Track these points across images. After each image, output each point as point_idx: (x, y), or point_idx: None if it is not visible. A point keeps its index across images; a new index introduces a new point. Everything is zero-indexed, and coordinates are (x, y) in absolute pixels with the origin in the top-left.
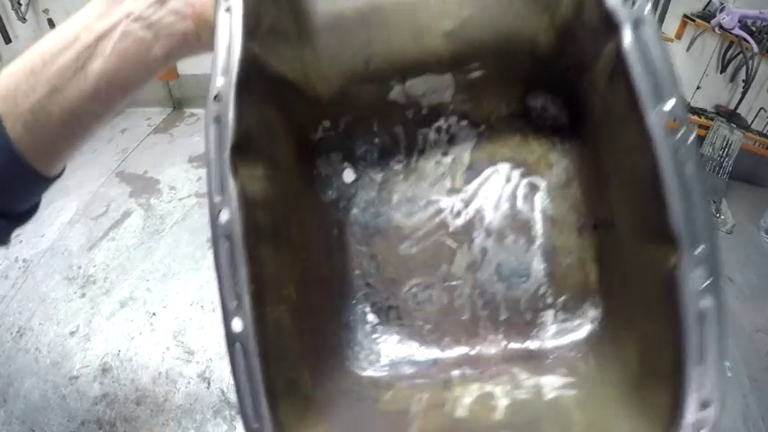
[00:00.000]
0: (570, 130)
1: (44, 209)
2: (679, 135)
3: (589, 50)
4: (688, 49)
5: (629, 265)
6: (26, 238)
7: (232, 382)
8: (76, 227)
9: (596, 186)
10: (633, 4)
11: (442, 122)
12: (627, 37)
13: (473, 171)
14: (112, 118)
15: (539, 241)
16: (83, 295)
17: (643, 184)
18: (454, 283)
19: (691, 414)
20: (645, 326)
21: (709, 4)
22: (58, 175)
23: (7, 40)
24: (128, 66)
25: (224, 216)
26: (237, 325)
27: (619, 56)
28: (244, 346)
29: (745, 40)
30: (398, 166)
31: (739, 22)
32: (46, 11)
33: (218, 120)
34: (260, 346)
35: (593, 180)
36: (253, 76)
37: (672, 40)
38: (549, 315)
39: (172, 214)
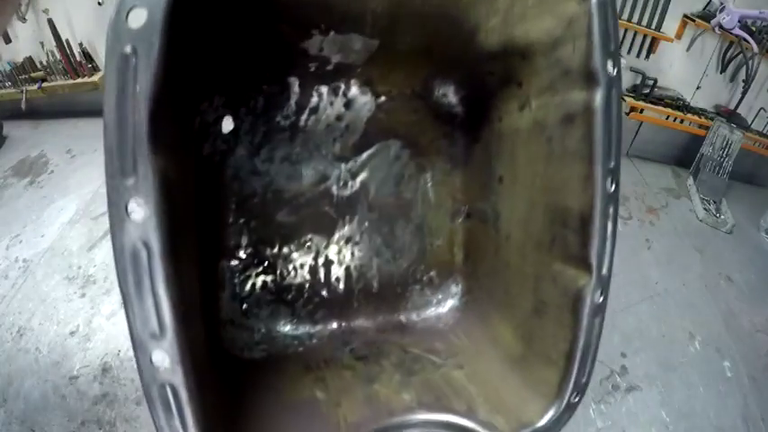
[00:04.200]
0: (464, 123)
1: (44, 209)
2: (613, 188)
3: (544, 80)
4: (688, 49)
5: (507, 261)
6: (26, 238)
7: None
8: (76, 227)
9: (480, 181)
10: (614, 68)
11: (342, 83)
12: (599, 97)
13: (365, 141)
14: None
15: (416, 221)
16: (83, 295)
17: (566, 217)
18: (331, 255)
19: (570, 393)
20: (528, 318)
21: (709, 4)
22: None
23: (7, 40)
24: None
25: (136, 221)
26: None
27: (588, 109)
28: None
29: (745, 40)
30: (285, 122)
31: (739, 22)
32: (46, 11)
33: (135, 53)
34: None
35: (477, 174)
36: None
37: (672, 40)
38: (416, 289)
39: None
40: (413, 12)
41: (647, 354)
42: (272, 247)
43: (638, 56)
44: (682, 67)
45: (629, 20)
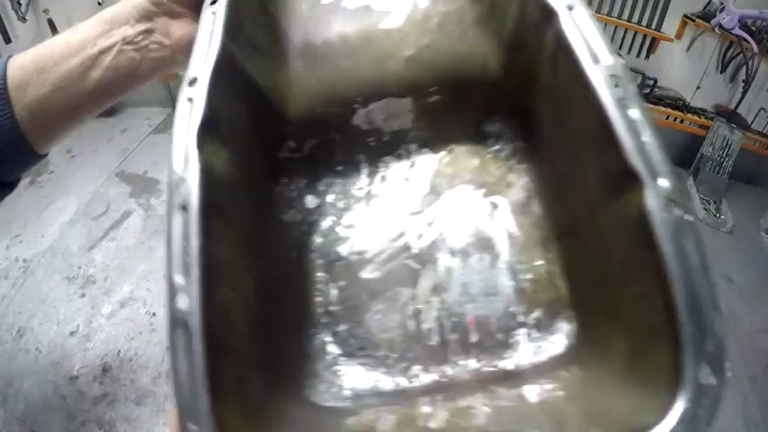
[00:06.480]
0: (526, 151)
1: (44, 209)
2: (621, 86)
3: (534, 48)
4: (688, 49)
5: (595, 250)
6: (26, 238)
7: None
8: (76, 227)
9: (555, 198)
10: None
11: (402, 150)
12: (564, 18)
13: (434, 194)
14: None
15: (504, 258)
16: (83, 295)
17: (595, 137)
18: (420, 306)
19: (693, 370)
20: (628, 304)
21: (709, 4)
22: (47, 154)
23: (7, 40)
24: (120, 78)
25: (183, 188)
26: (183, 302)
27: (559, 36)
28: (188, 325)
29: (745, 40)
30: (360, 193)
31: (739, 21)
32: (46, 11)
33: (191, 100)
34: (206, 326)
35: (552, 192)
36: (228, 70)
37: (672, 40)
38: (522, 334)
39: None
40: (425, 63)
41: None
42: (360, 304)
43: (638, 56)
44: (682, 67)
45: (629, 20)
